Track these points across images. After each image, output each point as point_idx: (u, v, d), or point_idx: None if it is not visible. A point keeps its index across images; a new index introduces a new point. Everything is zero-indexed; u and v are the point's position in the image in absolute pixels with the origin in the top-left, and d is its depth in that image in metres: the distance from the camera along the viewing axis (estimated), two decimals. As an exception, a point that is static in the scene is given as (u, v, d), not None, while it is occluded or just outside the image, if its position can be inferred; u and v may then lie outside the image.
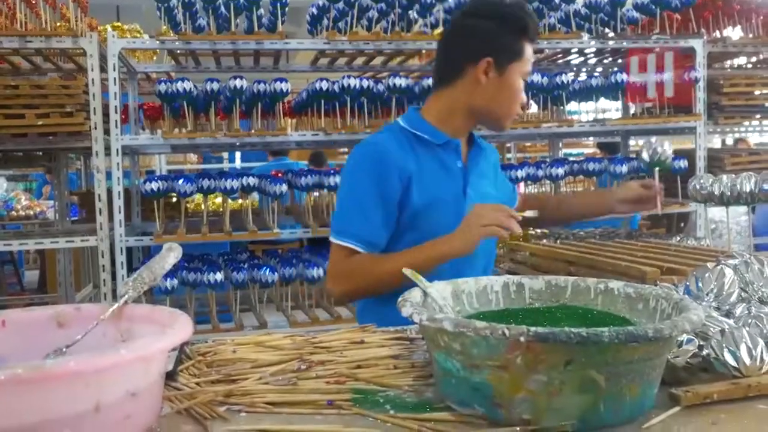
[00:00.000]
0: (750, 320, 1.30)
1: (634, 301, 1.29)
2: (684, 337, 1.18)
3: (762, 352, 1.18)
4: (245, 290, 4.07)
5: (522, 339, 0.97)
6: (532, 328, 0.98)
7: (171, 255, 1.30)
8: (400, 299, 1.23)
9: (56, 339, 1.13)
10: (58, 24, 3.87)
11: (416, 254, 1.87)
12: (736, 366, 1.17)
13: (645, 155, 2.31)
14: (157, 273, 1.26)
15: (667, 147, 2.31)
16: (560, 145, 6.14)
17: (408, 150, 1.99)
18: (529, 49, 2.01)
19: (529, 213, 1.95)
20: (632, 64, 4.45)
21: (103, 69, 3.83)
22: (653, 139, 2.33)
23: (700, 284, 1.42)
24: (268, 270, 3.90)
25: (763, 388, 1.15)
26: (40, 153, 4.82)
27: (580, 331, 0.96)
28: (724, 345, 1.18)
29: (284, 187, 3.90)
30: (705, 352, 1.19)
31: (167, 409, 1.16)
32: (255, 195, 4.48)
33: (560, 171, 4.29)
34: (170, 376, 1.29)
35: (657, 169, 2.32)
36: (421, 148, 2.01)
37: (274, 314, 4.19)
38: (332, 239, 1.97)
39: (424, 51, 4.81)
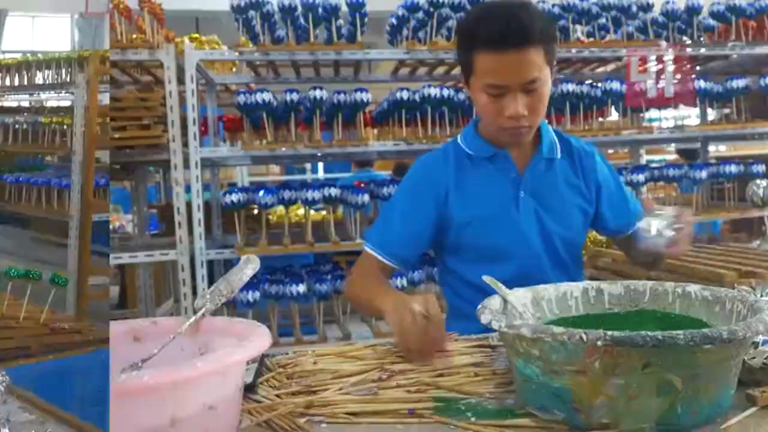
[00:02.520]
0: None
1: (711, 304, 1.32)
2: (760, 338, 1.19)
3: (838, 352, 1.16)
4: (329, 302, 4.05)
5: (599, 343, 1.00)
6: (609, 333, 1.00)
7: (248, 267, 1.29)
8: (479, 306, 1.25)
9: (132, 353, 1.12)
10: (135, 36, 3.91)
11: (373, 295, 1.75)
12: (813, 366, 1.16)
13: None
14: (235, 285, 1.25)
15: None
16: (642, 152, 6.07)
17: (453, 168, 1.94)
18: (483, 61, 1.73)
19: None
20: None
21: (180, 81, 3.82)
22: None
23: (777, 286, 1.41)
24: (351, 281, 3.87)
25: (840, 387, 1.14)
26: (118, 167, 4.85)
27: (656, 335, 0.99)
28: (800, 346, 1.17)
29: (366, 198, 3.87)
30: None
31: (247, 421, 1.15)
32: (339, 206, 4.47)
33: (641, 177, 4.26)
34: (250, 389, 1.27)
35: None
36: (470, 165, 1.94)
37: (358, 325, 4.17)
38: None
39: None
